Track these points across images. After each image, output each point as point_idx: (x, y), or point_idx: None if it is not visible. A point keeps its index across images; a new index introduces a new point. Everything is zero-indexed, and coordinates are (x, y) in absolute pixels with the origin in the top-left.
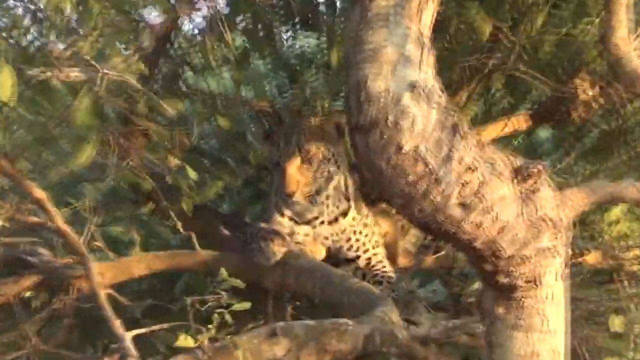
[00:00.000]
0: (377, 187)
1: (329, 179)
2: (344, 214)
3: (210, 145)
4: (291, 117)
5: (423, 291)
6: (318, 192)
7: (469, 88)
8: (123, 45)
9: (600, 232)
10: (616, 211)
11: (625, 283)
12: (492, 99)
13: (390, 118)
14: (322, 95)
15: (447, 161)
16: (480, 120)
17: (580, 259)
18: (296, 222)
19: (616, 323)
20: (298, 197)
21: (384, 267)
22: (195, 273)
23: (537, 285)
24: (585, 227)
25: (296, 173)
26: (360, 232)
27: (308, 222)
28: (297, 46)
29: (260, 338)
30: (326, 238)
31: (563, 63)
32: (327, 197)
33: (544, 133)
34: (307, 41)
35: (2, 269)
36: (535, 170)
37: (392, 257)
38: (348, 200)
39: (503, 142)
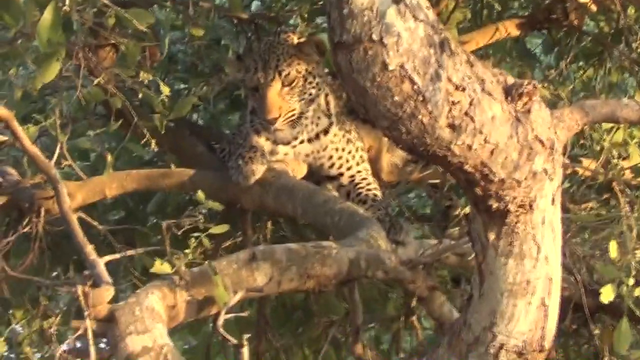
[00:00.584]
0: (361, 107)
1: (310, 101)
2: (325, 131)
3: (183, 52)
4: (270, 26)
5: (409, 201)
6: (299, 116)
7: None
8: None
9: (597, 140)
10: None
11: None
12: (481, 4)
13: (375, 34)
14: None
15: (435, 80)
16: (469, 27)
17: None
18: (274, 142)
19: (614, 249)
20: (280, 123)
21: (369, 184)
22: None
23: (530, 210)
24: (580, 136)
25: (277, 98)
26: (343, 149)
27: (287, 143)
28: None
29: (239, 263)
30: (307, 156)
31: None
32: (307, 118)
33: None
34: None
35: None
36: (528, 89)
37: (376, 172)
38: (329, 117)
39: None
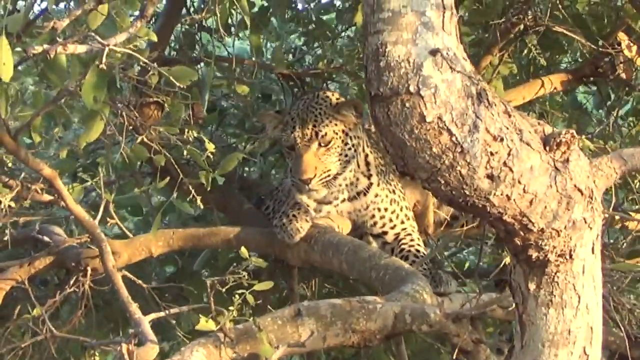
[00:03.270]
0: (400, 160)
1: (347, 162)
2: (365, 192)
3: (235, 107)
4: (315, 81)
5: (456, 258)
6: (335, 177)
7: (502, 48)
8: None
9: None
10: None
11: None
12: (527, 59)
13: (412, 87)
14: (347, 57)
15: (473, 131)
16: (516, 81)
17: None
18: (316, 201)
19: None
20: (315, 184)
21: (412, 240)
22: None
23: (570, 259)
24: (629, 190)
25: (313, 159)
26: (386, 209)
27: (328, 203)
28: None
29: (284, 319)
30: (349, 213)
31: (601, 19)
32: (345, 179)
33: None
34: None
35: (15, 250)
36: (566, 138)
37: (423, 228)
38: (369, 178)
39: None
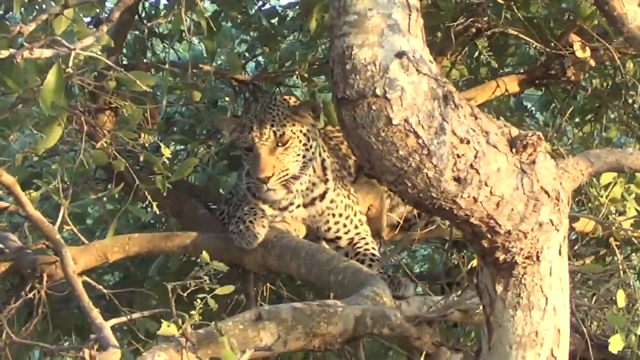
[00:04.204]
0: (366, 162)
1: (304, 165)
2: (321, 197)
3: (181, 114)
4: (268, 87)
5: (411, 261)
6: (293, 177)
7: (454, 51)
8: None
9: (594, 196)
10: (610, 174)
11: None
12: (479, 62)
13: (378, 89)
14: (299, 60)
15: (440, 133)
16: (467, 84)
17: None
18: (271, 207)
19: (621, 298)
20: (273, 183)
21: (367, 244)
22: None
23: (537, 261)
24: (577, 192)
25: (271, 158)
26: (340, 215)
27: (284, 209)
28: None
29: (245, 323)
30: (304, 219)
31: (553, 21)
32: (301, 183)
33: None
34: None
35: None
36: (532, 140)
37: (377, 231)
38: (326, 182)
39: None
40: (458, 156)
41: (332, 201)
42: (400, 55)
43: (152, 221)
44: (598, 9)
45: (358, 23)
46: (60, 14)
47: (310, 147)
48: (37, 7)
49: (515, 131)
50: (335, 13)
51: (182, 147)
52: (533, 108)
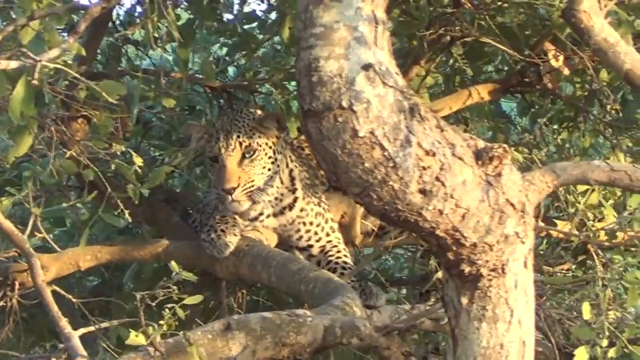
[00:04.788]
0: (332, 174)
1: (270, 178)
2: (290, 206)
3: (159, 120)
4: (242, 94)
5: (385, 264)
6: (260, 190)
7: (429, 59)
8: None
9: (571, 203)
10: None
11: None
12: (453, 70)
13: (344, 101)
14: (274, 67)
15: (405, 146)
16: (441, 93)
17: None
18: (241, 217)
19: (587, 311)
20: (238, 194)
21: (339, 252)
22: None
23: (502, 274)
24: (555, 198)
25: (237, 169)
26: (311, 223)
27: (254, 219)
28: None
29: (214, 333)
30: (275, 228)
31: (528, 29)
32: (268, 195)
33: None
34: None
35: None
36: (498, 152)
37: (350, 239)
38: (294, 192)
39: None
40: (424, 168)
41: (302, 210)
42: (366, 67)
43: (128, 226)
44: (565, 21)
45: (324, 35)
46: (26, 25)
47: (276, 159)
48: (6, 17)
49: (481, 143)
50: (301, 25)
51: (159, 153)
52: (513, 113)
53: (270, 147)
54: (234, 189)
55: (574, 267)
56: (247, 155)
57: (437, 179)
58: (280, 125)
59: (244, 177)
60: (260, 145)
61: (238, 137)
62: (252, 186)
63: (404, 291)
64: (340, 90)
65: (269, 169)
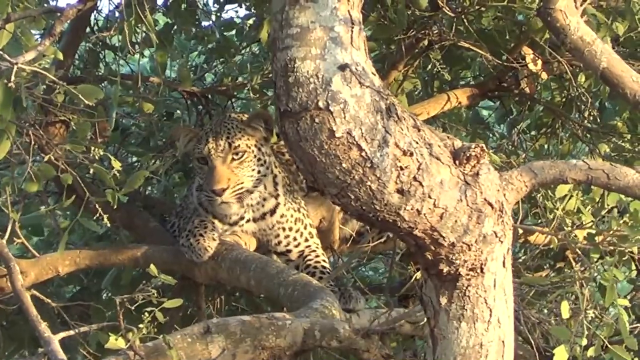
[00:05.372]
0: (310, 175)
1: (258, 180)
2: (272, 212)
3: (137, 126)
4: (220, 99)
5: (362, 272)
6: (248, 192)
7: (407, 63)
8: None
9: (549, 209)
10: (565, 187)
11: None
12: (431, 74)
13: (321, 102)
14: (252, 72)
15: (383, 146)
16: (421, 96)
17: (527, 238)
18: (221, 222)
19: (565, 310)
20: (227, 195)
21: (317, 256)
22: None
23: (481, 273)
24: (533, 204)
25: (226, 170)
26: (290, 229)
27: (234, 223)
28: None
29: (193, 336)
30: (254, 233)
31: (505, 34)
32: (252, 198)
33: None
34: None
35: None
36: (475, 152)
37: (329, 244)
38: (276, 197)
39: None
40: (401, 168)
41: (282, 215)
42: (342, 68)
43: (107, 232)
44: (541, 20)
45: (300, 36)
46: (2, 28)
47: (265, 162)
48: None
49: (458, 143)
50: (277, 26)
51: (137, 158)
52: (490, 120)
53: (259, 150)
54: (224, 190)
55: (552, 274)
56: (235, 157)
57: (415, 179)
58: (266, 125)
59: (233, 179)
60: (249, 147)
61: (227, 138)
62: (241, 188)
63: (382, 298)
64: (317, 91)
65: (258, 171)
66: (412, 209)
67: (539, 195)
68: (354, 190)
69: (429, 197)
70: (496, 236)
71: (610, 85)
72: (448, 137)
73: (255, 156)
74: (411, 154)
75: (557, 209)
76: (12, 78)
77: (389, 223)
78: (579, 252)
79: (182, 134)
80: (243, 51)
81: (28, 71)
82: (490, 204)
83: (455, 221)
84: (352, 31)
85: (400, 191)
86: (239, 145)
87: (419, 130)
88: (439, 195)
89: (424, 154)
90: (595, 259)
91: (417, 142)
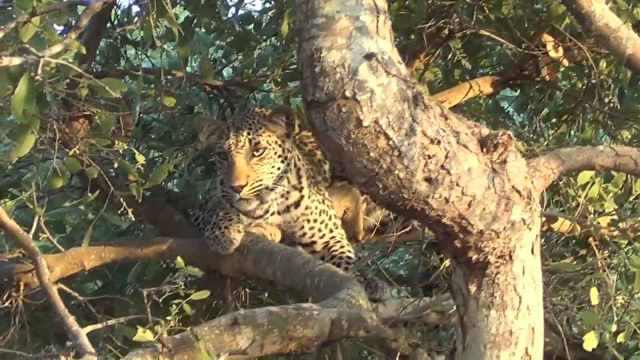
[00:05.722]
0: (338, 165)
1: (279, 177)
2: (296, 204)
3: (158, 120)
4: (242, 92)
5: (388, 263)
6: (268, 189)
7: (428, 53)
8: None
9: (572, 196)
10: (587, 174)
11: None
12: (452, 63)
13: (348, 91)
14: (273, 64)
15: (410, 134)
16: (442, 85)
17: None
18: (245, 215)
19: (595, 296)
20: (246, 192)
21: (342, 247)
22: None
23: (510, 260)
24: (555, 192)
25: (246, 166)
26: (315, 220)
27: (258, 217)
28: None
29: (221, 328)
30: (279, 225)
31: (525, 22)
32: (275, 193)
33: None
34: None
35: None
36: (503, 139)
37: (354, 234)
38: (300, 190)
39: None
40: (429, 157)
41: (306, 208)
42: (369, 57)
43: (130, 227)
44: (566, 7)
45: (326, 26)
46: (28, 21)
47: (286, 158)
48: (7, 15)
49: (485, 131)
50: (303, 16)
51: (159, 153)
52: (510, 109)
53: (280, 146)
54: (242, 187)
55: (574, 262)
56: (256, 154)
57: (443, 167)
58: (288, 119)
59: (252, 176)
60: (270, 144)
61: (248, 133)
62: (260, 185)
63: (403, 289)
64: (344, 80)
65: (279, 168)
66: (440, 197)
67: (560, 182)
68: (382, 179)
69: (457, 185)
70: (524, 223)
71: (636, 72)
72: (475, 125)
73: (275, 153)
74: (439, 142)
75: (580, 197)
76: (39, 71)
77: (417, 211)
78: (605, 239)
79: (206, 125)
80: (263, 44)
81: (53, 65)
82: (518, 191)
83: (484, 209)
84: (377, 20)
85: (428, 179)
86: (259, 142)
87: (446, 119)
88: (467, 183)
89: (452, 142)
90: (623, 246)
91: (444, 130)
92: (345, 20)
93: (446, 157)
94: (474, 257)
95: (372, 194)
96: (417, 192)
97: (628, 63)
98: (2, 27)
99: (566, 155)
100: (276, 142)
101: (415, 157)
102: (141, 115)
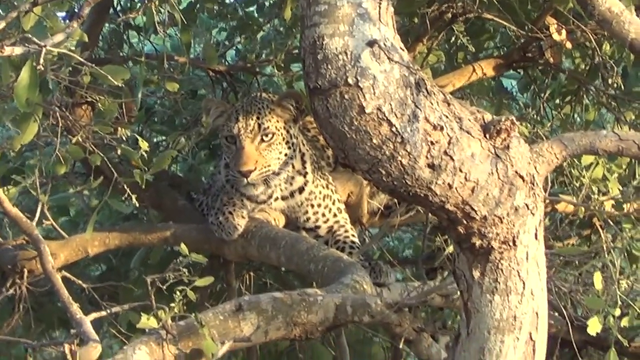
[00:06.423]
0: (340, 151)
1: (285, 163)
2: (300, 190)
3: (161, 105)
4: (246, 77)
5: (398, 244)
6: (274, 174)
7: (431, 37)
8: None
9: (576, 177)
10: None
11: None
12: (456, 46)
13: (350, 78)
14: (276, 48)
15: (413, 121)
16: (445, 68)
17: (554, 207)
18: (249, 200)
19: (598, 280)
20: (254, 177)
21: (346, 231)
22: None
23: (513, 246)
24: (559, 173)
25: (254, 151)
26: (319, 205)
27: (262, 202)
28: None
29: (225, 314)
30: (282, 210)
31: (528, 4)
32: (280, 179)
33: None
34: None
35: None
36: (506, 125)
37: (358, 218)
38: (305, 175)
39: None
40: (432, 143)
41: (310, 193)
42: (371, 43)
43: (134, 212)
44: None
45: (328, 13)
46: (29, 10)
47: (292, 144)
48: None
49: (488, 117)
50: (305, 3)
51: (162, 138)
52: (514, 90)
53: (287, 132)
54: (251, 171)
55: (578, 242)
56: (265, 139)
57: (446, 153)
58: (297, 103)
59: (261, 161)
60: (278, 130)
61: (258, 118)
62: (268, 171)
63: (408, 270)
64: (346, 67)
65: (285, 154)
66: (443, 183)
67: (564, 163)
68: (385, 166)
69: (460, 170)
70: (528, 208)
71: (639, 55)
72: (478, 111)
73: (283, 138)
74: (441, 128)
75: (584, 177)
76: (41, 60)
77: (420, 198)
78: (609, 221)
79: (213, 107)
80: (265, 28)
81: (55, 53)
82: (521, 177)
83: (487, 194)
84: (379, 7)
85: (431, 166)
86: (268, 127)
87: (448, 105)
88: (470, 168)
89: (454, 128)
90: (627, 228)
91: (447, 116)
92: (348, 7)
93: (449, 143)
94: (478, 243)
95: (376, 180)
96: (420, 178)
97: (631, 47)
98: (4, 15)
99: (569, 140)
100: (284, 128)
101: (418, 144)
102: (144, 99)
